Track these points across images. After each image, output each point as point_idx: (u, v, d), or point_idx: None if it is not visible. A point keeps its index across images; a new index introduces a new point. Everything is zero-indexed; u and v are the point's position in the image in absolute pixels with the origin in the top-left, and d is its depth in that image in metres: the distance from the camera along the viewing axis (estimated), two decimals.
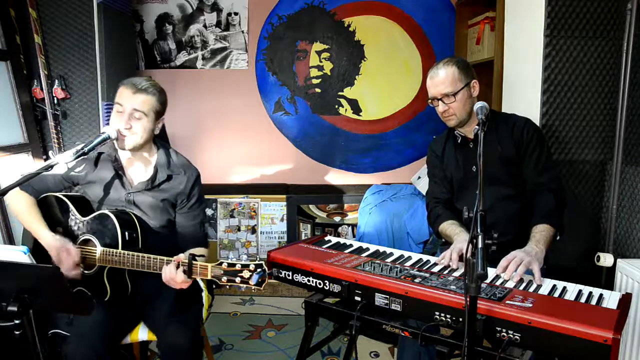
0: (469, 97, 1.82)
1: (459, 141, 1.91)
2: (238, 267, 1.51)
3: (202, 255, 1.69)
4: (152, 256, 1.62)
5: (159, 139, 1.92)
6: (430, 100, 1.86)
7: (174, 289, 1.63)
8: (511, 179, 1.84)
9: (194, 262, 1.55)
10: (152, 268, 1.62)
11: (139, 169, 1.83)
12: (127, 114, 1.70)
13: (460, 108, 1.80)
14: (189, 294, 1.80)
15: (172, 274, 1.56)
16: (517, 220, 1.82)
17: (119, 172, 1.79)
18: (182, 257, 1.60)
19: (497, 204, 1.84)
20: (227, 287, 1.57)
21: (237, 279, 1.50)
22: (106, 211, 1.72)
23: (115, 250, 1.65)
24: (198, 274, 1.56)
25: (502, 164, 1.83)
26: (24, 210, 1.76)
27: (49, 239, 1.69)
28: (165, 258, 1.60)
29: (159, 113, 1.78)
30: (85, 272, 1.71)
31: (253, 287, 1.50)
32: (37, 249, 1.74)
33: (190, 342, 1.69)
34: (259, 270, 1.50)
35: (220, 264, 1.52)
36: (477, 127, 1.76)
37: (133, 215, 1.76)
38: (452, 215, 1.90)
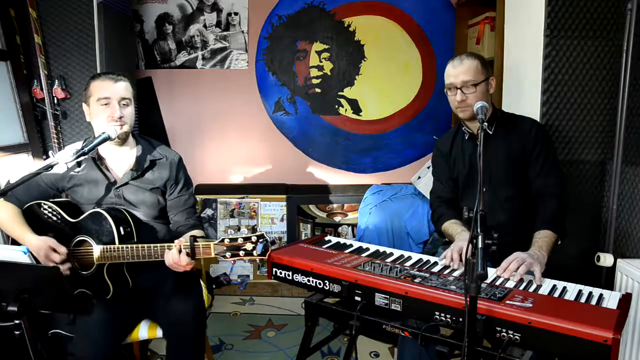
0: (486, 92, 1.83)
1: (466, 137, 1.92)
2: (240, 241, 1.53)
3: (203, 237, 1.70)
4: (152, 245, 1.63)
5: (158, 136, 1.92)
6: (447, 89, 1.84)
7: (171, 280, 1.64)
8: (517, 180, 1.84)
9: (195, 243, 1.57)
10: (154, 256, 1.62)
11: (123, 164, 1.84)
12: (117, 103, 1.72)
13: (477, 100, 1.78)
14: (186, 279, 1.81)
15: (176, 258, 1.57)
16: (521, 221, 1.82)
17: (103, 170, 1.80)
18: (183, 240, 1.61)
19: (502, 204, 1.84)
20: (233, 262, 1.60)
21: (241, 253, 1.52)
22: (98, 209, 1.72)
23: (114, 245, 1.65)
24: (202, 253, 1.57)
25: (508, 164, 1.83)
26: (8, 220, 1.74)
27: (33, 241, 1.68)
28: (166, 244, 1.61)
29: (136, 98, 1.84)
30: (84, 272, 1.72)
31: (258, 258, 1.53)
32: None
33: (193, 312, 1.71)
34: (261, 240, 1.53)
35: (222, 240, 1.55)
36: (486, 123, 1.77)
37: (124, 211, 1.76)
38: (454, 215, 1.91)
